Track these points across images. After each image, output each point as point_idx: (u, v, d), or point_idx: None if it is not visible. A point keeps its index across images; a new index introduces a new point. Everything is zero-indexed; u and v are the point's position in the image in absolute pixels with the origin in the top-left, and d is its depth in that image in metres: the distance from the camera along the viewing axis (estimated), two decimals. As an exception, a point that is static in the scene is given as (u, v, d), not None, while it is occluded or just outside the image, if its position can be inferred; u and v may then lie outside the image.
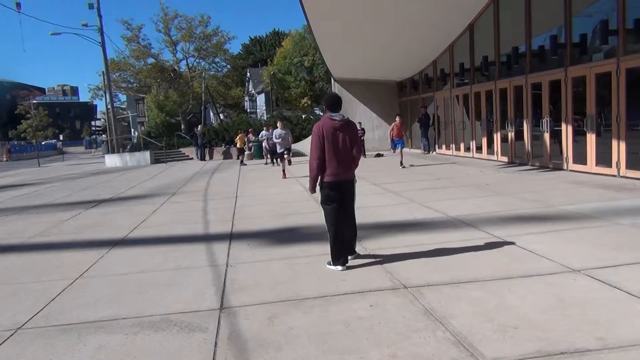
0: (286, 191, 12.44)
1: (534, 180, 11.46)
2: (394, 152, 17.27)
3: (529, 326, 3.81)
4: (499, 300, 4.37)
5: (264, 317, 4.33)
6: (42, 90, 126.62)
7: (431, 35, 17.94)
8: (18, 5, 34.56)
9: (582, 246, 5.88)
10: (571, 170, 12.29)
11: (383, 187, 12.07)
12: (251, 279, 5.51)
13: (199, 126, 32.80)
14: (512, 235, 6.57)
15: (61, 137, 69.37)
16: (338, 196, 5.76)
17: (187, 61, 55.13)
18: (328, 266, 5.77)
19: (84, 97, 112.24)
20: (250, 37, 74.87)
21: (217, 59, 57.58)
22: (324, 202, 5.84)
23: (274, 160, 21.07)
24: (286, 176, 15.35)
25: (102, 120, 67.69)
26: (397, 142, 16.40)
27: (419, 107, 22.27)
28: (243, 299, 4.85)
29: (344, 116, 5.85)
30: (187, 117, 55.49)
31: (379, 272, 5.43)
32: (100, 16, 34.73)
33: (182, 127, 51.64)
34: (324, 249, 6.00)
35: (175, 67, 54.64)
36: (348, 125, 5.83)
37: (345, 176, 5.79)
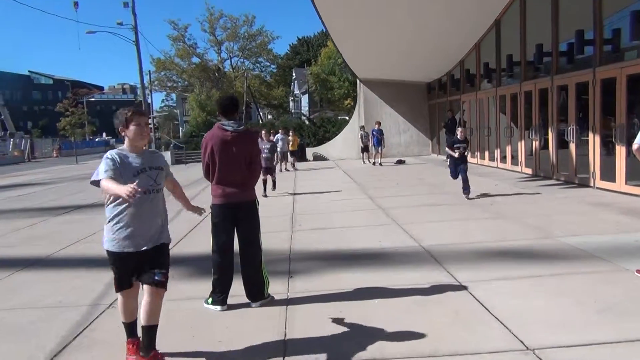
0: (274, 203, 11.24)
1: (549, 200, 9.78)
2: None
3: None
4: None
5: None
6: (100, 89, 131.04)
7: (456, 32, 16.31)
8: (76, 4, 35.25)
9: (559, 304, 4.39)
10: (598, 188, 10.48)
11: (375, 201, 10.69)
12: (116, 328, 4.34)
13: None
14: (478, 279, 5.13)
15: (104, 135, 70.80)
16: (229, 222, 4.65)
17: (231, 61, 55.16)
18: (205, 305, 4.72)
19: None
20: (298, 37, 74.32)
21: (260, 59, 57.53)
22: (213, 229, 4.69)
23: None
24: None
25: (156, 118, 69.12)
26: None
27: (445, 110, 20.57)
28: (71, 365, 3.70)
29: (239, 124, 4.59)
30: (230, 116, 55.32)
31: (274, 331, 4.15)
32: (134, 15, 34.67)
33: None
34: (239, 289, 4.78)
35: (220, 67, 54.75)
36: (243, 136, 4.58)
37: (239, 197, 4.59)
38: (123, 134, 3.56)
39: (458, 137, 10.45)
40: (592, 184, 10.74)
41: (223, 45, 53.98)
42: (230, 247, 4.71)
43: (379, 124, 20.28)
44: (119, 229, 3.48)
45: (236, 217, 4.65)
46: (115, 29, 44.11)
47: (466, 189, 10.17)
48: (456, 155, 10.19)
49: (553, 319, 4.06)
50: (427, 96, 23.74)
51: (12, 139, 51.61)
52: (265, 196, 11.80)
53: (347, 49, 20.27)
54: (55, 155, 58.32)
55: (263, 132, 12.19)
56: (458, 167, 10.34)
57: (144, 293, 3.56)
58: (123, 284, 3.59)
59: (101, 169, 3.40)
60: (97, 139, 73.01)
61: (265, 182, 12.02)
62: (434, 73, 21.42)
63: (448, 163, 11.08)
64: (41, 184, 19.76)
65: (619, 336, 3.69)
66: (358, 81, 24.55)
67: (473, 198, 10.16)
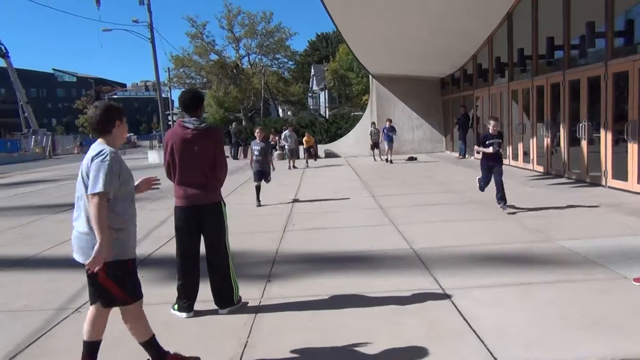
0: (272, 201, 11.01)
1: (557, 200, 9.34)
2: None
3: None
4: None
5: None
6: (123, 86, 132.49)
7: (468, 24, 15.82)
8: (98, 2, 35.60)
9: (544, 316, 4.05)
10: (610, 187, 10.00)
11: (377, 199, 10.39)
12: (75, 335, 4.16)
13: (234, 123, 32.23)
14: (464, 287, 4.82)
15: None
16: (192, 225, 4.41)
17: (249, 57, 55.22)
18: (172, 311, 4.51)
19: (164, 92, 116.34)
20: (316, 34, 73.95)
21: (278, 55, 57.45)
22: (176, 233, 4.49)
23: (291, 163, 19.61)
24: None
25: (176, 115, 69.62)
26: None
27: (459, 106, 20.07)
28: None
29: (201, 121, 4.36)
30: (248, 113, 55.37)
31: (234, 344, 3.92)
32: (150, 12, 34.92)
33: (243, 123, 51.47)
34: (209, 293, 4.57)
35: (238, 63, 54.80)
36: (205, 134, 4.34)
37: (203, 199, 4.37)
38: (118, 128, 3.34)
39: (490, 131, 8.51)
40: (603, 183, 10.27)
41: (241, 42, 54.07)
42: (194, 251, 4.48)
43: (390, 121, 19.86)
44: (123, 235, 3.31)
45: (200, 220, 4.41)
46: (131, 27, 44.24)
47: (501, 197, 8.44)
48: (490, 150, 8.31)
49: (534, 334, 3.74)
50: (441, 92, 23.26)
51: (34, 136, 52.38)
52: (259, 205, 10.25)
53: (358, 46, 19.91)
54: (76, 151, 59.21)
55: (257, 130, 10.97)
56: (492, 171, 8.49)
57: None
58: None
59: (108, 178, 3.10)
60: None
61: (258, 188, 10.40)
62: (447, 68, 20.93)
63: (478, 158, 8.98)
64: (54, 180, 19.89)
65: (602, 356, 3.36)
66: (370, 77, 24.18)
67: (512, 212, 8.37)
